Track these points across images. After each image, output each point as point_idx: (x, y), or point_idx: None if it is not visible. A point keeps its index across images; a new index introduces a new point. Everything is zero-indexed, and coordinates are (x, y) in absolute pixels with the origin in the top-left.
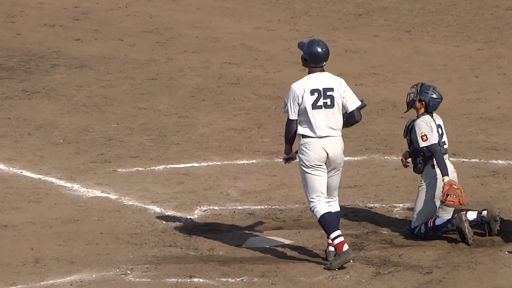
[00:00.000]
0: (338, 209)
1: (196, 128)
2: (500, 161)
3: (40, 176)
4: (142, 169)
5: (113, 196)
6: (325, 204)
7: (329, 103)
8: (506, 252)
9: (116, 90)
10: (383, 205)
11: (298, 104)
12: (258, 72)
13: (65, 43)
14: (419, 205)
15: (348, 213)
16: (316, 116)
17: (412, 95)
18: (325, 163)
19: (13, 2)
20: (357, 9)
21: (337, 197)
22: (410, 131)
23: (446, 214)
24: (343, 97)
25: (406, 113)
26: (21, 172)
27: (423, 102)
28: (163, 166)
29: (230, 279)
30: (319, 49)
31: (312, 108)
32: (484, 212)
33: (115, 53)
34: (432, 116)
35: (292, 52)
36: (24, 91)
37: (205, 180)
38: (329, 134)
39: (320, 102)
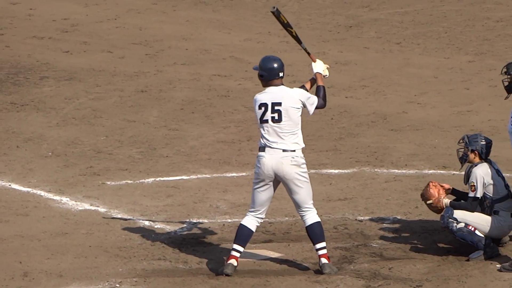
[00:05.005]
0: (315, 220)
1: (186, 141)
2: None
3: (29, 189)
4: (131, 182)
5: (102, 209)
6: (251, 218)
7: (276, 117)
8: (497, 266)
9: (105, 102)
10: (373, 218)
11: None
12: (248, 84)
13: (54, 55)
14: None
15: (338, 226)
16: (264, 129)
17: (462, 150)
18: (275, 178)
19: (1, 14)
20: (348, 21)
21: (312, 208)
22: (469, 177)
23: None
24: (299, 108)
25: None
26: (10, 185)
27: (476, 152)
28: (152, 179)
29: None
30: (275, 64)
31: (260, 122)
32: None
33: (104, 65)
34: (490, 163)
35: (283, 64)
36: (12, 103)
37: (195, 193)
38: (278, 147)
39: (267, 116)
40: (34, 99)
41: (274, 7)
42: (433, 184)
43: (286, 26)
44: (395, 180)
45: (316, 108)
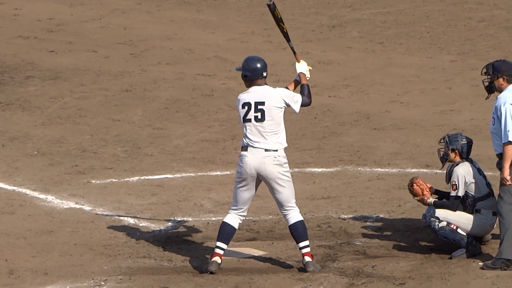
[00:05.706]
0: (298, 219)
1: (170, 140)
2: None
3: (14, 188)
4: (116, 180)
5: (87, 208)
6: (233, 216)
7: (259, 117)
8: (480, 264)
9: (90, 101)
10: (357, 216)
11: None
12: (232, 83)
13: (39, 55)
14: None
15: (322, 224)
16: (247, 129)
17: (442, 149)
18: (258, 177)
19: None
20: (331, 21)
21: (295, 207)
22: (451, 176)
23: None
24: (282, 108)
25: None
26: None
27: (457, 151)
28: (137, 178)
29: None
30: (258, 64)
31: (243, 121)
32: None
33: (89, 64)
34: (471, 162)
35: (266, 63)
36: None
37: (179, 192)
38: (260, 147)
39: (250, 116)
40: (20, 98)
41: (270, 1)
42: (417, 184)
43: (279, 21)
44: (378, 178)
45: (302, 105)
